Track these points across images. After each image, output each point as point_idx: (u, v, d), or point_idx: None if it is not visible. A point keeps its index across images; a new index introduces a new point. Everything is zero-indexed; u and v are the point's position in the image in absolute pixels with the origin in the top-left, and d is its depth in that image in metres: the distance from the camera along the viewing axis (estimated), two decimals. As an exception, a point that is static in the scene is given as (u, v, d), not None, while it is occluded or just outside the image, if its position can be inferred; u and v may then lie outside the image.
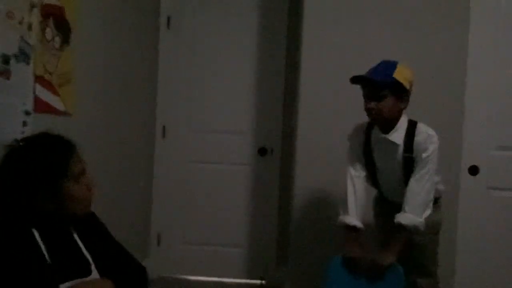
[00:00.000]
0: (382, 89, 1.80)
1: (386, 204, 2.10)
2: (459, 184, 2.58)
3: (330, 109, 2.57)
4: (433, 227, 1.97)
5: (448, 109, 2.56)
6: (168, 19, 3.29)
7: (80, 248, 1.23)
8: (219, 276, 3.26)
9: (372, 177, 2.03)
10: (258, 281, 3.27)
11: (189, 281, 3.23)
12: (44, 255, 1.10)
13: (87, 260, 1.22)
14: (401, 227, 1.84)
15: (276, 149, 3.28)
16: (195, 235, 3.32)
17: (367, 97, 1.85)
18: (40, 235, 1.12)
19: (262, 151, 3.29)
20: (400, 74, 1.81)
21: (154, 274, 3.15)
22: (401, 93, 1.84)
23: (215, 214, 3.30)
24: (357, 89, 1.91)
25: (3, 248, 1.04)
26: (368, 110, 1.85)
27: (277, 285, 3.09)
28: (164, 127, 3.33)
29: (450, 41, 2.56)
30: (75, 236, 1.24)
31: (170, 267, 3.28)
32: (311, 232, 2.62)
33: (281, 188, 3.24)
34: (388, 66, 1.83)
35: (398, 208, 1.88)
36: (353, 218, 1.93)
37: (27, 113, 1.69)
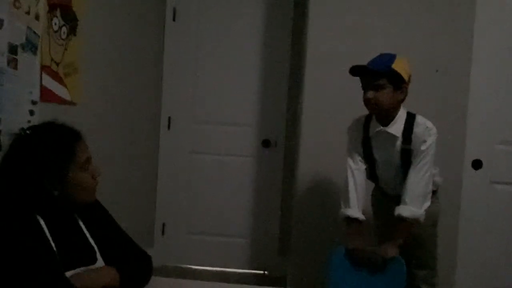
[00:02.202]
0: (380, 79, 1.81)
1: (384, 198, 2.11)
2: (462, 178, 2.58)
3: (334, 102, 2.57)
4: (431, 219, 1.97)
5: (452, 103, 2.55)
6: (174, 11, 3.30)
7: (85, 235, 1.24)
8: (222, 266, 3.30)
9: (371, 170, 2.03)
10: (260, 272, 3.30)
11: (192, 270, 3.27)
12: (50, 242, 1.11)
13: (93, 247, 1.23)
14: (402, 219, 1.85)
15: (280, 141, 3.30)
16: (199, 225, 3.35)
17: (366, 86, 1.86)
18: (46, 222, 1.13)
19: (266, 143, 3.30)
20: (399, 66, 1.81)
21: (158, 263, 3.16)
22: (399, 84, 1.84)
23: (219, 204, 3.33)
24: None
25: (9, 235, 1.05)
26: (366, 100, 1.86)
27: (279, 276, 3.12)
28: (169, 118, 3.35)
29: (455, 35, 2.54)
30: (80, 223, 1.25)
31: (174, 256, 3.32)
32: (314, 224, 2.63)
33: (284, 180, 3.26)
34: (387, 58, 1.84)
35: (397, 200, 1.89)
36: (355, 210, 1.94)
37: (33, 102, 1.71)
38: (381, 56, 1.87)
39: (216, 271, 3.27)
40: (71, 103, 2.00)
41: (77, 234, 1.23)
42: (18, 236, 1.05)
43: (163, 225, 3.37)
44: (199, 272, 3.23)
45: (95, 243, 1.24)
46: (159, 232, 3.37)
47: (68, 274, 1.12)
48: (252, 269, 3.32)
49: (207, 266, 3.29)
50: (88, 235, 1.24)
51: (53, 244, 1.11)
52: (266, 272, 3.30)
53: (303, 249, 2.66)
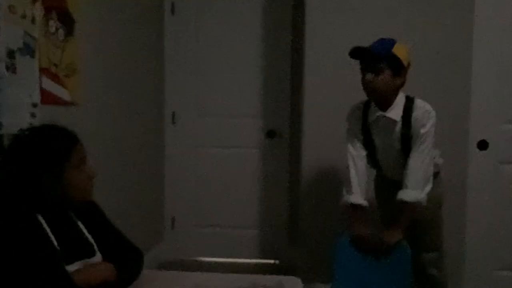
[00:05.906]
0: (380, 62, 1.81)
1: (386, 183, 2.10)
2: (468, 160, 2.56)
3: (336, 91, 2.56)
4: (434, 201, 1.97)
5: (455, 84, 2.52)
6: (172, 4, 3.29)
7: (82, 232, 1.29)
8: (232, 257, 3.32)
9: (372, 156, 2.03)
10: (271, 261, 3.33)
11: (203, 262, 3.30)
12: (51, 239, 1.15)
13: (90, 242, 1.29)
14: (404, 203, 1.85)
15: (284, 132, 3.30)
16: (208, 217, 3.38)
17: (365, 69, 1.86)
18: (45, 220, 1.17)
19: (270, 134, 3.31)
20: (398, 51, 1.82)
21: (169, 257, 3.22)
22: (399, 69, 1.84)
23: (227, 196, 3.35)
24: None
25: (11, 232, 1.09)
26: (365, 83, 1.86)
27: (290, 265, 3.14)
28: (173, 113, 3.37)
29: (456, 16, 2.51)
30: (78, 221, 1.30)
31: (184, 249, 3.36)
32: (321, 212, 2.64)
33: (291, 170, 3.27)
34: (387, 42, 1.84)
35: (399, 186, 1.89)
36: (357, 196, 1.95)
37: (34, 105, 1.73)
38: (382, 40, 1.86)
39: (227, 262, 3.29)
40: (72, 103, 2.02)
41: (75, 230, 1.28)
42: (20, 234, 1.09)
43: (173, 219, 3.41)
44: (210, 264, 3.26)
45: (92, 238, 1.31)
46: (168, 227, 3.41)
47: (69, 268, 1.17)
48: (263, 259, 3.34)
49: (217, 258, 3.32)
50: (85, 230, 1.30)
51: (54, 240, 1.16)
52: (276, 261, 3.32)
53: (312, 237, 2.67)
